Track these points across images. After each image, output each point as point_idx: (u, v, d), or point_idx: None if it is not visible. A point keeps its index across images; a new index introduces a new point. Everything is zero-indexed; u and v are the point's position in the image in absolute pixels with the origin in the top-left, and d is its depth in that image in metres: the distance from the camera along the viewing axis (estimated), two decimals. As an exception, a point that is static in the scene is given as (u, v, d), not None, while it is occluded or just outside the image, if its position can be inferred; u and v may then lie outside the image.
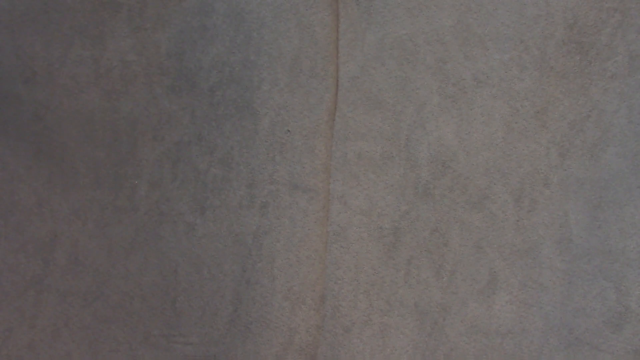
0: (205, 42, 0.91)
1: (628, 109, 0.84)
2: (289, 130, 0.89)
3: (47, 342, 0.93)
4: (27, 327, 0.94)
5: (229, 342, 0.89)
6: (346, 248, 0.87)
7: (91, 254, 0.93)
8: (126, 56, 0.93)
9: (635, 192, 0.83)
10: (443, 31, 0.87)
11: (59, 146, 0.94)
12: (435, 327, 0.85)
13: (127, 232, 0.93)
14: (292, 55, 0.89)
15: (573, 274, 0.83)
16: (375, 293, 0.86)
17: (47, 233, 0.94)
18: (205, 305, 0.90)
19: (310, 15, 0.89)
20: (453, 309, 0.84)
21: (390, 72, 0.87)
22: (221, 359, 0.89)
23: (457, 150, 0.86)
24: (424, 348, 0.85)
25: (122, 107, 0.93)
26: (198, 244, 0.90)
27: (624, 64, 0.84)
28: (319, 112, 0.89)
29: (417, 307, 0.85)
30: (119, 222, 0.93)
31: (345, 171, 0.88)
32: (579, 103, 0.85)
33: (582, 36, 0.85)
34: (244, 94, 0.90)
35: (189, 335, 0.91)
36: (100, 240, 0.93)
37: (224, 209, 0.90)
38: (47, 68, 0.94)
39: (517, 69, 0.85)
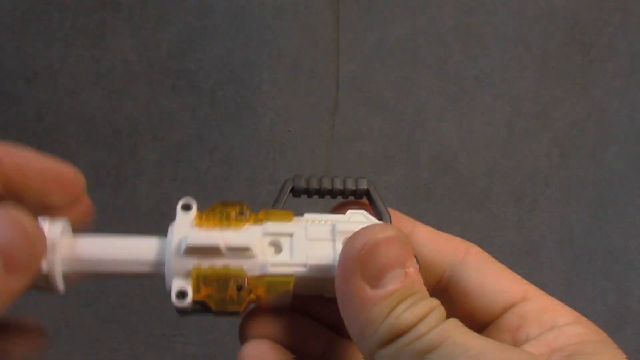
0: (206, 42, 0.91)
1: (629, 108, 0.83)
2: (289, 130, 0.89)
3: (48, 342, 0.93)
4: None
5: (229, 342, 0.89)
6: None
7: (92, 254, 0.93)
8: (127, 56, 0.93)
9: (637, 192, 0.83)
10: (444, 31, 0.87)
11: (60, 146, 0.94)
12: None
13: (127, 231, 0.92)
14: (293, 55, 0.89)
15: (574, 274, 0.83)
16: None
17: (48, 233, 0.94)
18: (205, 305, 0.90)
19: (311, 16, 0.89)
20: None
21: (391, 72, 0.87)
22: (221, 359, 0.89)
23: (458, 150, 0.86)
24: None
25: (123, 107, 0.93)
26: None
27: (625, 64, 0.84)
28: (320, 112, 0.89)
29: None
30: (119, 221, 0.93)
31: (345, 171, 0.87)
32: (580, 103, 0.84)
33: (583, 36, 0.85)
34: (244, 94, 0.90)
35: (189, 335, 0.90)
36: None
37: (224, 209, 0.90)
38: (48, 68, 0.94)
39: (518, 69, 0.85)
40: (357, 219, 0.29)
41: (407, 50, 0.87)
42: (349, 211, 0.30)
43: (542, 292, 0.32)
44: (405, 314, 0.25)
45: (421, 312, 0.26)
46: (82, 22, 0.93)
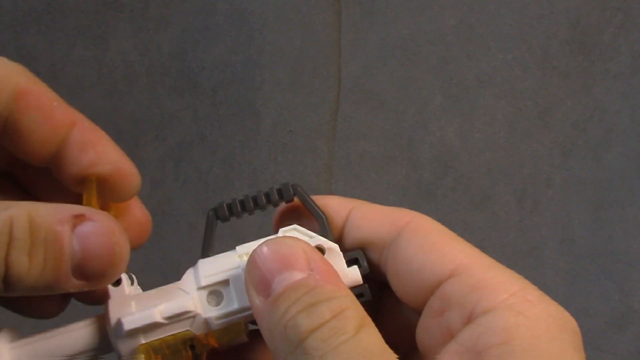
0: (208, 42, 0.91)
1: (631, 108, 0.83)
2: (291, 131, 0.89)
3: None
4: (30, 326, 0.94)
5: None
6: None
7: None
8: (129, 56, 0.93)
9: (639, 193, 0.83)
10: (445, 31, 0.87)
11: (62, 146, 0.94)
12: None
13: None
14: (294, 56, 0.89)
15: (576, 275, 0.83)
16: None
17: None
18: (207, 305, 0.90)
19: (313, 16, 0.89)
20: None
21: (393, 72, 0.87)
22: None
23: (460, 150, 0.86)
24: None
25: (125, 107, 0.93)
26: (200, 244, 0.90)
27: (627, 64, 0.84)
28: (321, 112, 0.89)
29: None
30: (121, 222, 0.93)
31: (347, 171, 0.87)
32: (582, 103, 0.84)
33: (585, 36, 0.85)
34: (246, 94, 0.90)
35: None
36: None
37: (226, 209, 0.90)
38: (50, 68, 0.94)
39: (519, 69, 0.85)
40: None
41: (408, 50, 0.87)
42: (281, 230, 0.28)
43: (480, 264, 0.26)
44: (299, 318, 0.23)
45: (319, 317, 0.23)
46: (83, 22, 0.93)
